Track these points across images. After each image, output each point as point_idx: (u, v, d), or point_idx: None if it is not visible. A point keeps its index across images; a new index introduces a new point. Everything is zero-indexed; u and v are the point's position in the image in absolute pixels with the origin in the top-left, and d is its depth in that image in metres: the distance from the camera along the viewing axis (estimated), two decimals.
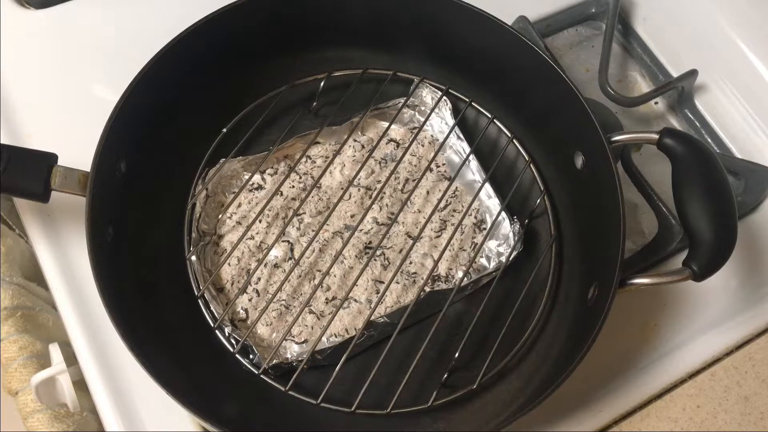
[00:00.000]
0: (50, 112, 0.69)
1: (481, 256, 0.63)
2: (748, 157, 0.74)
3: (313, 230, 0.63)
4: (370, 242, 0.63)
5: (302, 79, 0.68)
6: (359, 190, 0.66)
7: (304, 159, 0.66)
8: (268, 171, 0.66)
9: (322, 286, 0.61)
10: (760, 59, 0.78)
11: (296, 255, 0.62)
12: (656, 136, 0.58)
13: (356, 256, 0.63)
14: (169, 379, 0.50)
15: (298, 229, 0.64)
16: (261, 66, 0.67)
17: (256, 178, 0.65)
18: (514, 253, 0.62)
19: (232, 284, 0.61)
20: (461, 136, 0.67)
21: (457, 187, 0.66)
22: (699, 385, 0.63)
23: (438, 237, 0.64)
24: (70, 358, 0.59)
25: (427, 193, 0.66)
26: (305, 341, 0.59)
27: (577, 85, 0.60)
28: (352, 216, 0.64)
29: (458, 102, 0.69)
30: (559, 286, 0.63)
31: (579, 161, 0.63)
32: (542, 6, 0.79)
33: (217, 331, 0.58)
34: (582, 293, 0.60)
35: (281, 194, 0.65)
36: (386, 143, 0.68)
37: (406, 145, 0.67)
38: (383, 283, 0.62)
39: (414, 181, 0.66)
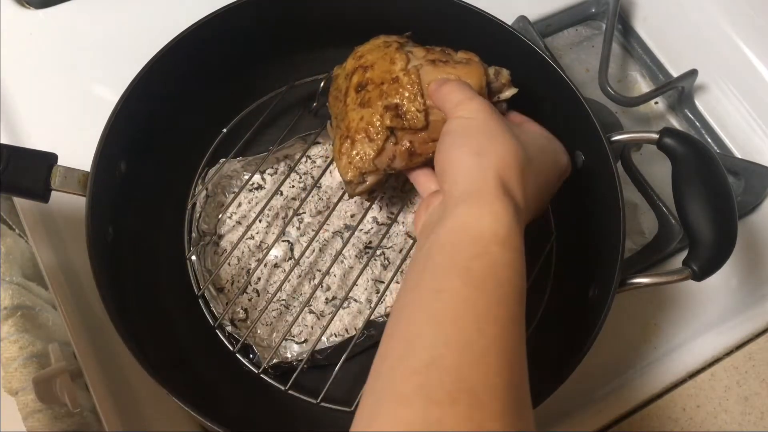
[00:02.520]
0: (50, 112, 0.69)
1: None
2: (748, 157, 0.74)
3: (313, 230, 0.63)
4: (370, 242, 0.63)
5: (302, 79, 0.68)
6: None
7: (304, 159, 0.66)
8: (268, 171, 0.66)
9: (322, 286, 0.61)
10: (760, 59, 0.78)
11: (296, 255, 0.62)
12: (656, 136, 0.58)
13: (356, 256, 0.63)
14: (169, 379, 0.49)
15: (298, 228, 0.64)
16: (261, 66, 0.67)
17: (256, 178, 0.65)
18: None
19: (232, 284, 0.61)
20: None
21: None
22: (699, 385, 0.63)
23: None
24: (70, 358, 0.59)
25: None
26: (305, 341, 0.59)
27: (577, 85, 0.60)
28: (352, 216, 0.64)
29: None
30: (559, 286, 0.63)
31: (579, 161, 0.63)
32: (542, 6, 0.79)
33: (217, 331, 0.58)
34: (582, 293, 0.60)
35: (281, 194, 0.65)
36: None
37: None
38: (383, 282, 0.62)
39: None
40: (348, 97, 0.58)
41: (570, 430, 0.60)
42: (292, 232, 0.64)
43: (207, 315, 0.58)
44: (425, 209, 0.50)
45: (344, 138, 0.57)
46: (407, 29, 0.65)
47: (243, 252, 0.62)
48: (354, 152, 0.56)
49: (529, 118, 0.58)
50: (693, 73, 0.74)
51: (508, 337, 0.39)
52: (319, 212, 0.65)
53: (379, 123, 0.55)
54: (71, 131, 0.64)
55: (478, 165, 0.46)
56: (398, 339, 0.41)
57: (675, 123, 0.78)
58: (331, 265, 0.60)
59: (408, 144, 0.56)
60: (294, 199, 0.65)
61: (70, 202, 0.57)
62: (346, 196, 0.65)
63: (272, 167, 0.66)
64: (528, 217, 0.48)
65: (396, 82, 0.56)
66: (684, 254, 0.55)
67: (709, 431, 0.62)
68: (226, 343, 0.58)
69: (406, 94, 0.55)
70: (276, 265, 0.62)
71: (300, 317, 0.59)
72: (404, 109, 0.55)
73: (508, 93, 0.60)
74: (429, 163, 0.56)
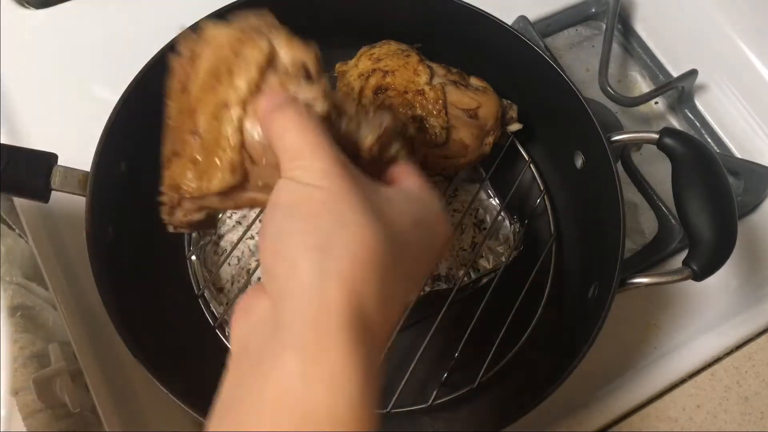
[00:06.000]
0: (50, 112, 0.69)
1: (481, 256, 0.63)
2: (748, 157, 0.74)
3: None
4: None
5: None
6: None
7: None
8: None
9: None
10: (760, 59, 0.78)
11: None
12: (656, 136, 0.58)
13: None
14: (169, 379, 0.50)
15: None
16: None
17: None
18: (514, 252, 0.62)
19: (232, 284, 0.61)
20: None
21: (457, 187, 0.66)
22: (699, 385, 0.63)
23: None
24: (70, 358, 0.59)
25: None
26: None
27: (577, 85, 0.60)
28: None
29: None
30: (559, 286, 0.63)
31: (579, 161, 0.63)
32: (542, 6, 0.79)
33: (217, 331, 0.58)
34: (582, 293, 0.60)
35: None
36: None
37: None
38: None
39: None
40: (364, 97, 0.59)
41: (570, 430, 0.60)
42: None
43: (207, 315, 0.58)
44: (244, 315, 0.35)
45: None
46: (408, 29, 0.65)
47: (243, 252, 0.62)
48: None
49: (409, 170, 0.41)
50: (693, 73, 0.74)
51: None
52: None
53: (401, 130, 0.57)
54: (71, 131, 0.64)
55: (319, 274, 0.31)
56: None
57: (675, 123, 0.78)
58: None
59: (422, 157, 0.58)
60: None
61: (70, 202, 0.57)
62: None
63: None
64: (389, 341, 0.33)
65: (421, 95, 0.58)
66: (684, 254, 0.55)
67: (709, 431, 0.62)
68: (226, 342, 0.58)
69: (431, 109, 0.58)
70: None
71: None
72: (428, 123, 0.58)
73: (515, 127, 0.63)
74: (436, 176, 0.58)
